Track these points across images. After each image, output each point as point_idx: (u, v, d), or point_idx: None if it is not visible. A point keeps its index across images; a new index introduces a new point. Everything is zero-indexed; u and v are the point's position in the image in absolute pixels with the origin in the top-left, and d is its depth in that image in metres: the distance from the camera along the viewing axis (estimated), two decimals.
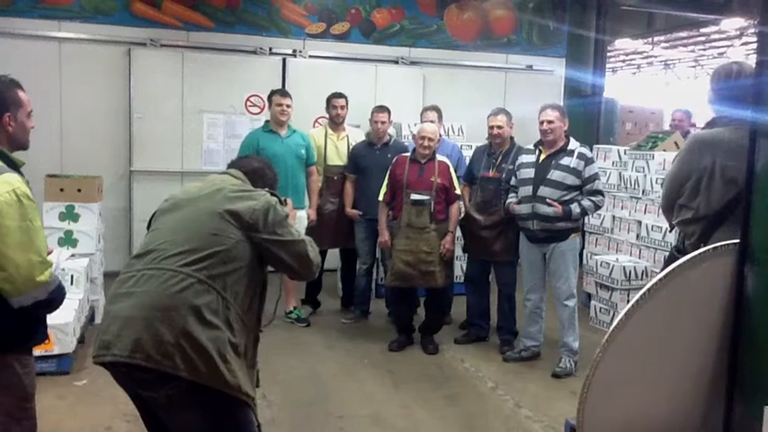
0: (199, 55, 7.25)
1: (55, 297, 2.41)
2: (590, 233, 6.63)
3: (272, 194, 2.52)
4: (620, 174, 6.31)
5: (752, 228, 2.25)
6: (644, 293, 2.23)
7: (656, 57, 21.07)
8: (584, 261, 6.44)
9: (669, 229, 3.34)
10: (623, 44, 17.28)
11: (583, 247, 6.49)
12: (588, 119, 8.45)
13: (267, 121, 5.64)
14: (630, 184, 6.13)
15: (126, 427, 3.66)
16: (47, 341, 4.13)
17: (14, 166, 2.43)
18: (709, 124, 3.10)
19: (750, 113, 2.27)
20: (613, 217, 6.35)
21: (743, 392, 2.27)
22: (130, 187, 7.12)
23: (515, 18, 8.35)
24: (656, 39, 17.20)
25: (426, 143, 5.04)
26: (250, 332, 2.38)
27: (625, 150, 6.40)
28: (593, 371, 2.25)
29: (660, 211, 5.57)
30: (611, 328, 2.24)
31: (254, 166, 2.72)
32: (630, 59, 22.21)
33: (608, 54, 13.62)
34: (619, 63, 22.66)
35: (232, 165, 2.74)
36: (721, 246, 2.33)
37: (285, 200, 2.66)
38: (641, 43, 17.62)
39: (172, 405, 2.21)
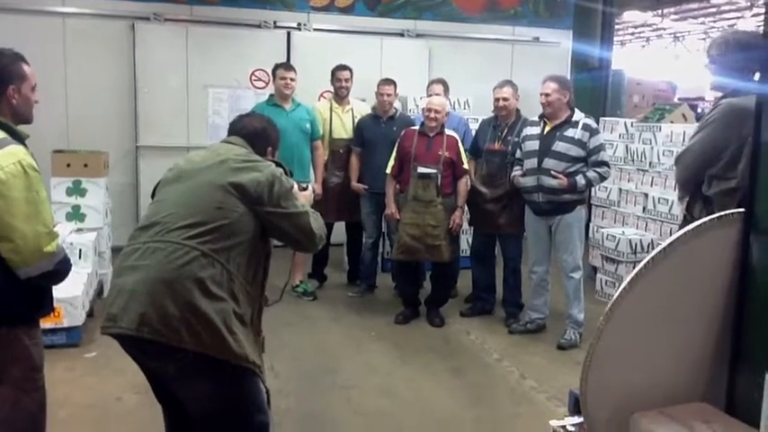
0: (203, 29, 7.21)
1: (61, 268, 2.43)
2: (596, 206, 6.62)
3: (278, 164, 2.51)
4: (626, 146, 6.28)
5: (757, 197, 2.24)
6: (648, 262, 2.23)
7: (665, 29, 20.84)
8: (591, 234, 6.43)
9: (680, 199, 3.29)
10: (632, 16, 17.11)
11: (589, 220, 6.48)
12: (595, 91, 8.39)
13: (272, 95, 5.62)
14: (637, 157, 6.10)
15: (136, 398, 3.71)
16: (56, 314, 4.24)
17: (19, 139, 2.44)
18: (734, 95, 3.00)
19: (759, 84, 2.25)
20: (620, 190, 6.33)
21: (746, 361, 2.28)
22: (137, 162, 7.13)
23: None
24: (665, 11, 17.01)
25: (434, 115, 5.02)
26: (255, 302, 2.40)
27: (632, 123, 6.36)
28: (596, 339, 2.25)
29: (666, 182, 5.65)
30: (615, 295, 2.25)
31: (256, 127, 2.66)
32: (639, 32, 21.98)
33: (616, 27, 13.50)
34: (628, 36, 22.44)
35: (233, 130, 2.67)
36: (726, 214, 2.32)
37: (306, 186, 2.67)
38: (650, 15, 17.42)
39: (181, 376, 2.25)
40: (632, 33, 22.37)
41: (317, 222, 2.50)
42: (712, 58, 3.15)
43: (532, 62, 7.94)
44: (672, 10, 17.00)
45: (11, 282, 2.33)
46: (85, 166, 5.37)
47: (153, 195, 2.51)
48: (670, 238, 2.28)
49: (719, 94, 3.12)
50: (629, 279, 2.25)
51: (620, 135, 6.41)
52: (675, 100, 6.04)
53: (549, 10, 8.39)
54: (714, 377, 2.42)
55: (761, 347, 2.23)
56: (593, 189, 6.52)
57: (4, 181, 2.28)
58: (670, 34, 22.03)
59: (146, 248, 2.24)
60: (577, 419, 2.67)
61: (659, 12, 16.91)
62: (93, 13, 6.93)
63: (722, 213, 2.35)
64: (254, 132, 2.64)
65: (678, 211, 5.36)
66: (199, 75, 7.16)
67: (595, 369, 2.30)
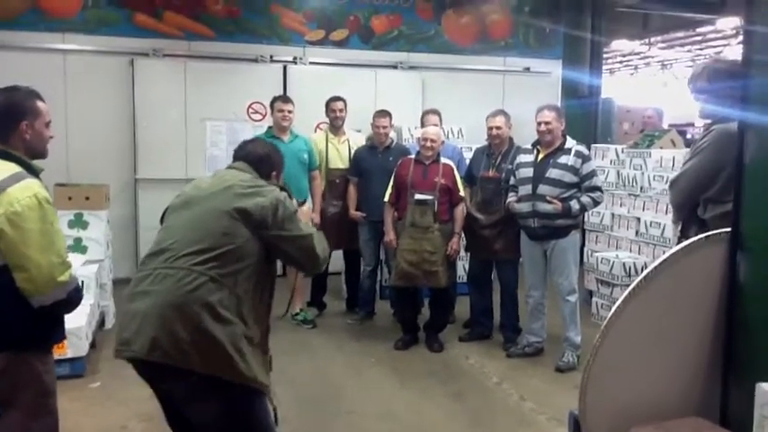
0: (201, 64, 7.37)
1: (73, 297, 2.51)
2: (590, 231, 6.72)
3: (281, 189, 2.60)
4: (618, 172, 6.41)
5: (742, 217, 2.34)
6: (640, 281, 2.33)
7: (653, 57, 21.21)
8: (585, 258, 6.53)
9: (675, 222, 3.38)
10: (620, 45, 17.42)
11: (583, 245, 6.58)
12: (586, 119, 8.55)
13: (270, 128, 5.75)
14: (629, 182, 6.23)
15: (141, 426, 3.76)
16: (60, 345, 4.28)
17: (34, 173, 2.53)
18: (722, 121, 3.10)
19: (740, 111, 2.37)
20: (612, 214, 6.45)
21: (737, 374, 2.36)
22: (136, 195, 7.23)
23: (512, 21, 8.47)
24: (652, 39, 17.33)
25: (430, 144, 5.14)
26: (263, 322, 2.48)
27: (623, 149, 6.49)
28: (593, 357, 2.34)
29: (658, 206, 5.76)
30: (609, 314, 2.34)
31: (260, 153, 2.74)
32: (628, 60, 22.36)
33: (605, 55, 13.74)
34: (616, 64, 22.82)
35: (238, 156, 2.74)
36: (714, 234, 2.43)
37: (304, 201, 2.76)
38: (638, 44, 17.75)
39: (191, 398, 2.33)
40: (620, 62, 22.74)
41: (320, 244, 2.59)
42: (700, 87, 3.26)
43: (524, 91, 8.12)
44: (659, 38, 17.31)
45: (24, 309, 2.41)
46: (87, 198, 5.45)
47: (162, 221, 2.59)
48: (661, 258, 2.38)
49: (709, 121, 3.24)
50: (622, 298, 2.34)
51: (611, 161, 6.54)
52: (664, 126, 6.17)
53: (538, 40, 8.60)
54: (708, 391, 2.50)
55: (750, 361, 2.32)
56: (586, 214, 6.63)
57: (20, 213, 2.36)
58: (658, 62, 22.41)
59: (156, 274, 2.33)
60: None
61: (647, 40, 17.23)
62: (93, 49, 7.09)
63: (710, 233, 2.46)
64: (259, 157, 2.72)
65: (671, 233, 5.49)
66: (197, 108, 7.29)
67: (593, 386, 2.38)
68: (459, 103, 7.61)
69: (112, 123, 7.16)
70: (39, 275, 2.37)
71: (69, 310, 2.58)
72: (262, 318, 2.48)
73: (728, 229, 2.39)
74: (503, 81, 8.39)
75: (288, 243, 2.50)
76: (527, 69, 8.50)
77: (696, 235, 3.14)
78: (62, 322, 2.64)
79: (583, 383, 2.38)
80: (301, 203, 2.80)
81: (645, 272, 2.34)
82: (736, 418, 2.36)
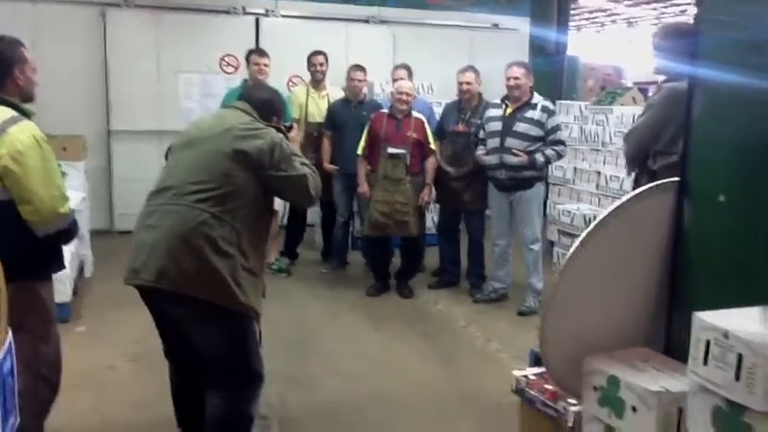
0: (173, 15, 7.36)
1: (73, 227, 2.76)
2: (553, 184, 6.99)
3: (279, 129, 2.78)
4: (581, 128, 6.66)
5: (689, 168, 2.59)
6: (596, 225, 2.57)
7: (619, 15, 21.39)
8: (548, 210, 6.80)
9: (628, 174, 3.65)
10: (587, 2, 17.56)
11: (546, 198, 6.87)
12: (552, 76, 8.75)
13: (245, 80, 5.85)
14: (591, 138, 6.49)
15: (128, 366, 3.96)
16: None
17: (27, 116, 2.71)
18: (675, 78, 3.34)
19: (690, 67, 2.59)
20: (575, 168, 6.72)
21: (679, 308, 2.64)
22: (109, 147, 7.26)
23: None
24: None
25: (405, 97, 5.32)
26: (261, 254, 2.71)
27: (586, 105, 6.74)
28: (552, 293, 2.59)
29: (618, 161, 6.04)
30: (568, 255, 2.58)
31: (263, 97, 2.92)
32: (594, 17, 22.51)
33: (572, 12, 13.88)
34: (583, 21, 22.96)
35: (243, 96, 2.93)
36: (664, 183, 2.67)
37: (291, 125, 2.94)
38: (605, 1, 17.90)
39: (194, 321, 2.57)
40: (587, 18, 22.89)
41: (314, 181, 2.78)
42: (656, 45, 3.50)
43: (492, 48, 8.23)
44: None
45: (30, 240, 2.62)
46: (64, 149, 5.49)
47: (166, 157, 2.78)
48: (615, 204, 2.62)
49: (663, 78, 3.48)
50: (579, 240, 2.58)
51: (574, 117, 6.79)
52: (623, 83, 6.42)
53: None
54: (655, 324, 2.78)
55: (691, 296, 2.59)
56: (550, 168, 6.90)
57: (23, 152, 2.56)
58: (624, 20, 22.60)
59: (162, 210, 2.54)
60: (537, 369, 3.03)
61: None
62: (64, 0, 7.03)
63: (660, 182, 2.70)
64: (261, 101, 2.89)
65: (628, 187, 5.78)
66: (169, 60, 7.32)
67: (551, 322, 2.64)
68: (430, 59, 7.71)
69: (85, 75, 7.16)
70: (42, 207, 2.59)
71: (69, 240, 2.83)
72: (260, 250, 2.70)
73: (676, 179, 2.64)
74: (471, 37, 8.51)
75: (283, 182, 2.69)
76: (495, 26, 8.64)
77: (647, 184, 3.44)
78: (61, 253, 2.87)
79: (542, 319, 2.63)
80: (289, 128, 2.97)
81: (599, 216, 2.58)
82: (677, 347, 2.64)
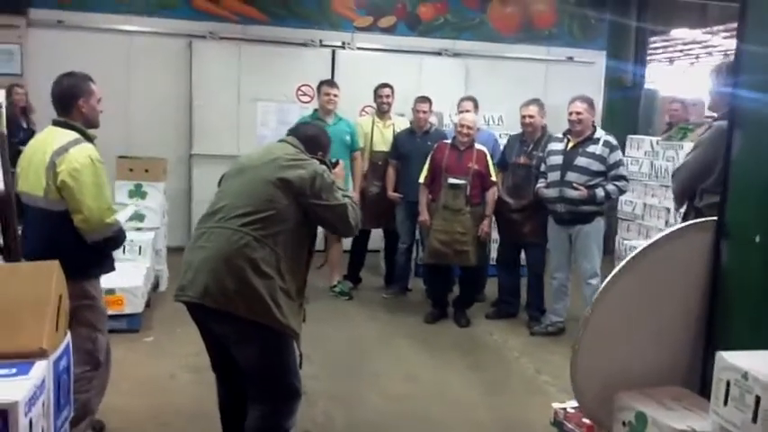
0: (254, 47, 7.76)
1: (119, 236, 3.17)
2: (622, 219, 6.91)
3: (322, 162, 2.95)
4: (651, 163, 6.58)
5: (727, 208, 2.58)
6: (629, 260, 2.59)
7: (715, 47, 20.73)
8: (616, 246, 6.73)
9: (677, 208, 3.63)
10: (681, 34, 17.13)
11: (615, 233, 6.80)
12: (627, 109, 8.67)
13: (316, 110, 6.10)
14: (661, 173, 6.39)
15: (188, 376, 4.19)
16: (118, 302, 4.79)
17: (89, 140, 3.14)
18: (726, 116, 3.32)
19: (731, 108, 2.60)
20: (644, 204, 6.62)
21: (716, 348, 2.60)
22: (190, 169, 7.69)
23: (556, 11, 8.62)
24: (714, 28, 16.96)
25: (466, 131, 5.43)
26: (299, 278, 2.85)
27: (657, 141, 6.65)
28: (583, 329, 2.62)
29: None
30: (600, 288, 2.61)
31: (310, 133, 3.12)
32: (689, 49, 21.87)
33: (665, 44, 13.56)
34: (677, 53, 22.34)
35: (291, 131, 3.14)
36: (702, 221, 2.68)
37: (337, 162, 3.12)
38: (700, 33, 17.40)
39: (236, 338, 2.74)
40: (681, 51, 22.29)
41: (354, 212, 2.93)
42: (711, 82, 3.49)
43: (566, 81, 8.21)
44: (721, 27, 16.95)
45: (82, 245, 3.03)
46: (146, 171, 5.90)
47: (219, 184, 3.00)
48: (650, 240, 2.64)
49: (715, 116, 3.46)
50: (612, 274, 2.61)
51: (645, 152, 6.71)
52: (690, 118, 6.29)
53: (583, 31, 8.72)
54: (691, 364, 2.76)
55: (727, 335, 2.57)
56: (619, 203, 6.84)
57: (79, 169, 2.98)
58: (720, 51, 21.89)
59: (210, 232, 2.74)
60: (576, 403, 3.03)
61: (710, 29, 16.89)
62: (154, 31, 7.56)
63: (698, 221, 2.71)
64: (309, 137, 3.09)
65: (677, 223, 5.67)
66: (249, 89, 7.70)
67: (583, 355, 2.67)
68: (501, 91, 7.80)
69: (171, 101, 7.63)
70: (91, 217, 3.00)
71: (116, 247, 3.26)
72: (298, 274, 2.84)
73: (714, 218, 2.64)
74: (545, 70, 8.55)
75: (324, 210, 2.85)
76: (570, 59, 8.64)
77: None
78: (111, 256, 3.27)
79: (574, 351, 2.67)
80: (335, 164, 3.14)
81: (633, 252, 2.60)
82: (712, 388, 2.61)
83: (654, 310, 2.69)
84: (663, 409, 2.52)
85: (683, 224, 2.71)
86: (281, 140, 3.09)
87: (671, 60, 22.48)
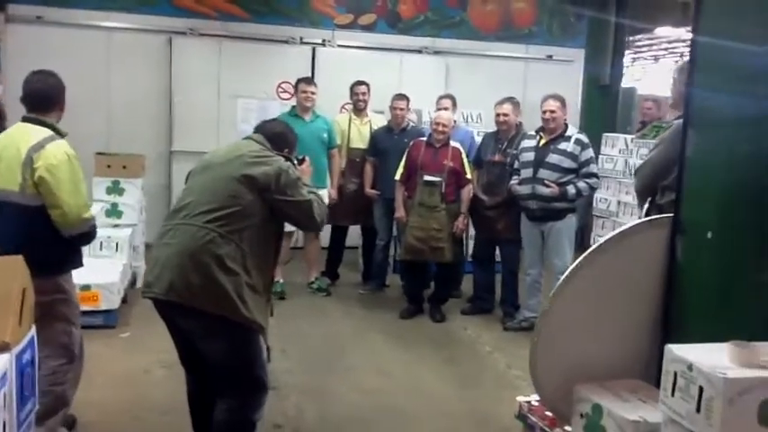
0: (234, 44, 7.78)
1: (92, 231, 3.25)
2: (597, 217, 7.00)
3: (287, 159, 2.99)
4: (626, 161, 6.67)
5: (682, 206, 2.66)
6: (587, 255, 2.67)
7: None
8: (592, 242, 6.81)
9: (639, 205, 3.71)
10: (665, 32, 17.23)
11: (591, 230, 6.90)
12: (605, 108, 8.77)
13: (294, 107, 6.14)
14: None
15: (162, 371, 4.23)
16: (94, 298, 4.81)
17: (61, 136, 3.20)
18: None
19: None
20: (619, 201, 6.72)
21: (671, 341, 2.68)
22: (170, 166, 7.71)
23: (536, 10, 8.69)
24: None
25: (441, 129, 5.49)
26: (266, 274, 2.89)
27: (632, 139, 6.74)
28: (541, 321, 2.69)
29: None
30: (558, 283, 2.68)
31: (276, 130, 3.15)
32: (674, 47, 22.00)
33: (650, 42, 13.59)
34: (661, 51, 22.46)
35: (258, 128, 3.18)
36: (657, 218, 2.76)
37: (303, 158, 3.16)
38: (684, 31, 17.52)
39: (202, 332, 2.79)
40: (666, 48, 22.41)
41: (319, 208, 2.97)
42: (673, 80, 3.56)
43: (545, 79, 8.25)
44: None
45: (57, 240, 3.10)
46: (124, 167, 5.92)
47: (186, 181, 3.03)
48: (605, 237, 2.71)
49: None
50: (569, 270, 2.69)
51: (620, 150, 6.81)
52: (663, 117, 6.38)
53: (562, 29, 8.80)
54: (651, 358, 2.83)
55: (682, 329, 2.64)
56: (594, 200, 6.93)
57: (56, 165, 3.03)
58: None
59: (176, 229, 2.78)
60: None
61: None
62: (134, 27, 7.56)
63: (654, 217, 2.78)
64: (275, 134, 3.13)
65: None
66: (229, 86, 7.72)
67: (543, 348, 2.74)
68: (480, 89, 7.82)
69: (151, 98, 7.64)
70: (69, 212, 3.06)
71: (88, 242, 3.36)
72: (265, 270, 2.88)
73: (670, 215, 2.71)
74: (525, 68, 8.62)
75: (288, 206, 2.89)
76: (549, 57, 8.71)
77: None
78: (80, 252, 3.31)
79: (533, 344, 2.74)
80: (301, 161, 3.18)
81: (589, 249, 2.68)
82: None
83: (612, 304, 2.76)
84: (619, 400, 2.59)
85: (643, 220, 2.77)
86: (246, 138, 3.12)
87: (656, 58, 22.65)
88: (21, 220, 3.04)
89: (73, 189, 3.07)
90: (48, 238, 3.05)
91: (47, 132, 3.12)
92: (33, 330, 2.23)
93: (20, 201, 3.03)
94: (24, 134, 3.11)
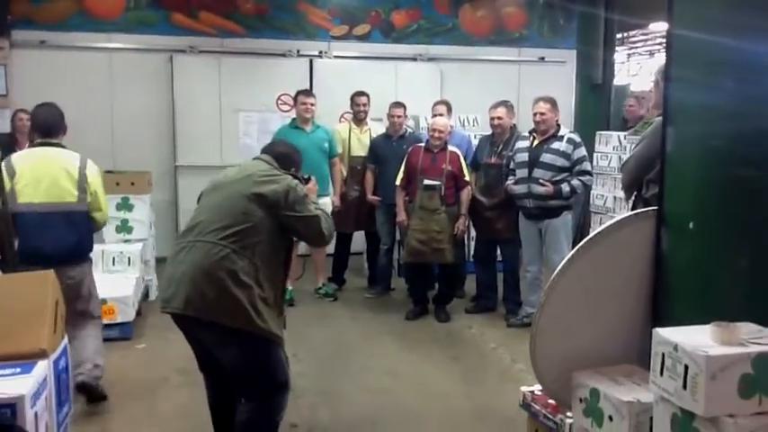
0: (233, 59, 7.97)
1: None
2: (594, 213, 7.15)
3: (295, 177, 3.15)
4: (619, 157, 6.80)
5: (665, 199, 2.83)
6: (580, 247, 2.82)
7: None
8: None
9: (626, 199, 3.87)
10: (660, 27, 17.34)
11: (589, 225, 7.04)
12: (599, 106, 8.93)
13: (294, 119, 6.32)
14: None
15: (179, 379, 4.39)
16: (110, 311, 4.99)
17: None
18: None
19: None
20: (614, 197, 6.86)
21: (661, 326, 2.84)
22: (175, 180, 7.89)
23: (526, 13, 8.88)
24: None
25: (437, 134, 5.66)
26: (278, 287, 3.04)
27: (625, 136, 6.89)
28: (539, 312, 2.86)
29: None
30: (551, 279, 2.85)
31: (283, 151, 3.34)
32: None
33: (644, 38, 13.69)
34: (656, 46, 22.60)
35: (265, 150, 3.36)
36: (643, 212, 2.92)
37: (309, 177, 3.33)
38: None
39: (220, 344, 2.93)
40: (660, 44, 22.54)
41: (326, 223, 3.13)
42: (656, 80, 3.73)
43: (539, 81, 8.42)
44: None
45: (91, 233, 4.05)
46: (132, 184, 6.09)
47: (198, 201, 3.19)
48: (596, 230, 2.88)
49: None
50: (563, 263, 2.85)
51: (613, 147, 6.94)
52: (644, 114, 6.53)
53: (553, 31, 8.98)
54: (644, 344, 2.99)
55: (670, 314, 2.80)
56: (591, 197, 7.08)
57: (98, 179, 4.00)
58: None
59: (190, 246, 2.92)
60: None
61: None
62: (135, 47, 7.75)
63: (642, 210, 2.95)
64: (281, 154, 3.30)
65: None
66: (230, 100, 7.91)
67: (541, 338, 2.90)
68: (475, 93, 7.98)
69: (154, 115, 7.83)
70: (105, 213, 4.11)
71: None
72: (277, 282, 3.03)
73: (655, 208, 2.88)
74: (518, 71, 8.79)
75: (297, 221, 3.05)
76: (542, 59, 8.89)
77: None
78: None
79: (532, 336, 2.90)
80: (307, 180, 3.35)
81: (582, 242, 2.84)
82: None
83: (605, 294, 2.92)
84: (614, 384, 2.75)
85: (630, 213, 2.94)
86: (255, 158, 3.27)
87: (651, 53, 22.81)
88: (79, 224, 3.90)
89: (105, 197, 4.07)
90: (90, 233, 4.01)
91: (73, 153, 3.93)
92: (66, 339, 2.40)
93: (76, 209, 3.86)
94: (59, 155, 3.89)
